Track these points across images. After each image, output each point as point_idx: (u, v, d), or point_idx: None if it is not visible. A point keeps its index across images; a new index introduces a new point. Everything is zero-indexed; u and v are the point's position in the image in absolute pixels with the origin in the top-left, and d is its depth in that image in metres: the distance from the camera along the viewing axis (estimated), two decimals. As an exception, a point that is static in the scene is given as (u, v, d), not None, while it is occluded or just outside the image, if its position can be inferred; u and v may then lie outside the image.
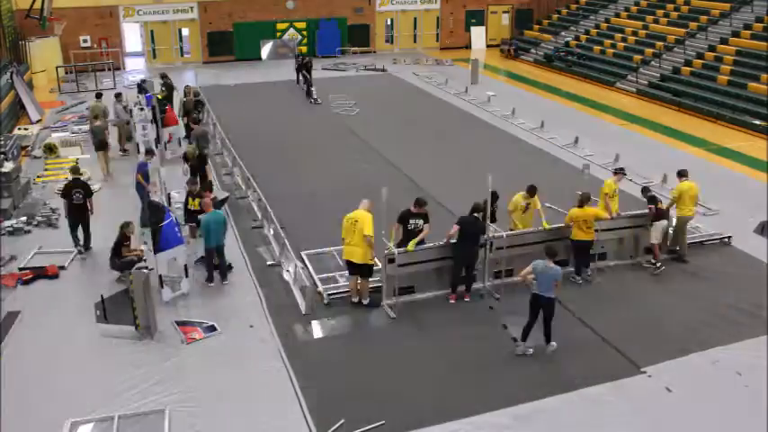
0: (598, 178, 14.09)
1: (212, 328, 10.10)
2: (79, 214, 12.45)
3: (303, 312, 10.43)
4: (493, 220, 11.14)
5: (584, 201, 11.27)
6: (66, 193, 12.37)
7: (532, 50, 33.48)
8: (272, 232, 12.96)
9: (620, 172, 12.80)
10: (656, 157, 17.65)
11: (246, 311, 10.60)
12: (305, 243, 12.54)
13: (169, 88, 21.52)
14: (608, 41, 30.39)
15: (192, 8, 32.84)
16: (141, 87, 21.96)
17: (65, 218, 12.77)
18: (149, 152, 14.70)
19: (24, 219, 13.76)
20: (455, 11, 37.01)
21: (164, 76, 22.10)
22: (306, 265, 11.72)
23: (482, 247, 10.93)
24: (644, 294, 11.18)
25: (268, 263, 12.01)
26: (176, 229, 11.02)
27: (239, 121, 22.06)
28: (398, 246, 10.60)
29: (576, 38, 32.57)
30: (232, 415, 8.31)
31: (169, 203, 13.00)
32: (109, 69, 28.77)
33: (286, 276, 11.53)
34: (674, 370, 9.14)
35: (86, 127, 20.95)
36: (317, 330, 10.19)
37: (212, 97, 24.24)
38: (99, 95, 19.14)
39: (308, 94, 25.02)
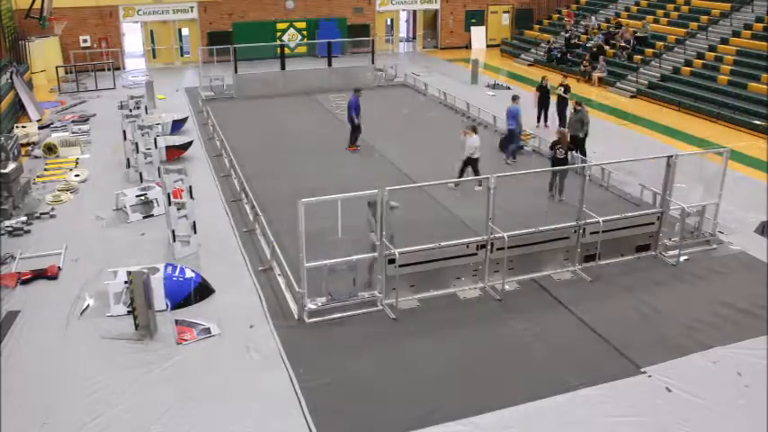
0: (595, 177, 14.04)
1: (207, 331, 10.00)
2: None
3: (296, 318, 10.41)
4: None
5: None
6: None
7: (532, 50, 33.48)
8: (262, 238, 12.95)
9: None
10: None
11: (247, 311, 10.58)
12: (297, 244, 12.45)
13: None
14: (608, 41, 30.38)
15: (191, 8, 32.86)
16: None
17: None
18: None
19: (24, 219, 13.76)
20: (455, 11, 37.01)
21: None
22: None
23: None
24: (644, 294, 11.15)
25: (259, 268, 11.98)
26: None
27: (237, 120, 22.10)
28: None
29: (577, 38, 32.51)
30: (232, 415, 8.30)
31: None
32: (109, 69, 28.78)
33: (280, 281, 11.53)
34: (674, 370, 9.14)
35: (86, 127, 20.95)
36: (316, 330, 10.18)
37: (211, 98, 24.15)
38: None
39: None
